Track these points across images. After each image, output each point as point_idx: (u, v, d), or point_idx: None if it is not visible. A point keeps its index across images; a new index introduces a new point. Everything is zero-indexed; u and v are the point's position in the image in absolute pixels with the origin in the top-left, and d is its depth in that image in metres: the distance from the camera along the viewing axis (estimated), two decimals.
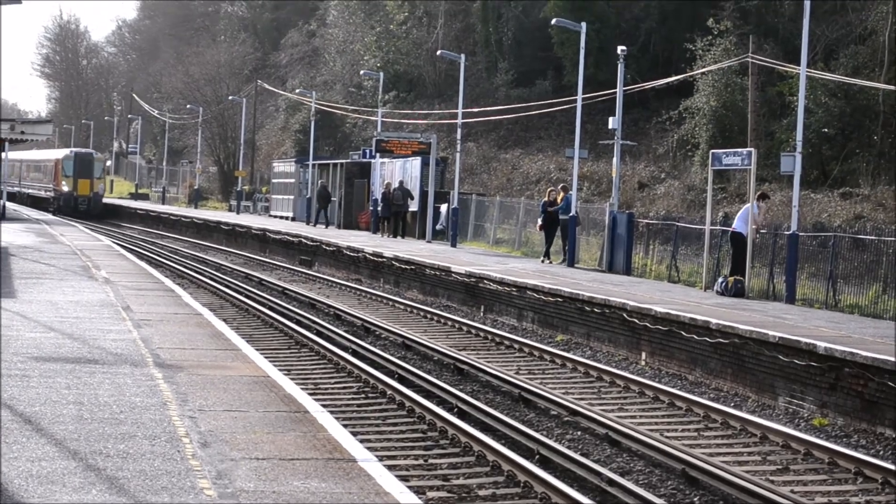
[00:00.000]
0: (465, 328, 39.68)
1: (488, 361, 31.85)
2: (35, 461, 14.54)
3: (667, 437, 22.89)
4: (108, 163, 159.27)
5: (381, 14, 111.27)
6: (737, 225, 40.76)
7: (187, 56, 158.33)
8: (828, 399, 26.57)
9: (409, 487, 15.83)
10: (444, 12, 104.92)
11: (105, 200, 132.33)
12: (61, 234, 65.33)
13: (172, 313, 31.35)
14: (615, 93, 50.10)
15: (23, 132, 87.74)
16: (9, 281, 36.75)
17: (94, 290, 35.59)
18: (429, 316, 43.07)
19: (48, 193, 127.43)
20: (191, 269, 56.50)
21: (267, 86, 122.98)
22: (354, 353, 32.09)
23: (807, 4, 40.97)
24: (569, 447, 21.79)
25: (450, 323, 40.88)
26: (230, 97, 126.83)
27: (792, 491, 19.15)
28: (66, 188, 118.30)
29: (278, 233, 75.01)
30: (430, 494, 18.21)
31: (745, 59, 60.84)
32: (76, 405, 17.93)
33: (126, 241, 72.99)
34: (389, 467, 16.89)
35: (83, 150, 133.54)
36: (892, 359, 24.97)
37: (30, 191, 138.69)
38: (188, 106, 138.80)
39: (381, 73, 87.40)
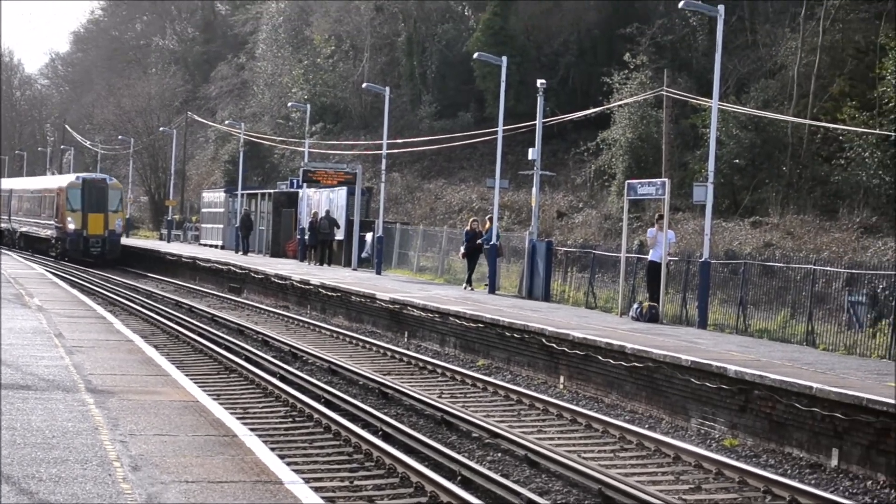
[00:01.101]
0: (389, 353, 39.67)
1: (412, 385, 31.84)
2: None
3: (584, 458, 22.99)
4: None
5: (309, 48, 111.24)
6: (652, 254, 41.07)
7: (119, 88, 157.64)
8: (738, 420, 26.75)
9: (323, 496, 15.90)
10: (370, 46, 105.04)
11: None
12: None
13: (104, 340, 31.24)
14: (535, 124, 50.20)
15: None
16: None
17: (26, 318, 35.39)
18: (354, 342, 42.98)
19: (49, 233, 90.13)
20: (122, 297, 56.20)
21: (197, 117, 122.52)
22: (282, 378, 32.00)
23: (719, 40, 41.30)
24: (489, 468, 21.85)
25: (375, 348, 40.86)
26: (161, 128, 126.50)
27: None
28: (72, 226, 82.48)
29: (208, 261, 74.69)
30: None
31: (659, 92, 61.10)
32: (9, 430, 17.86)
33: (58, 270, 72.37)
34: (316, 489, 16.95)
35: (94, 175, 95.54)
36: (798, 381, 25.23)
37: (24, 229, 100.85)
38: (120, 137, 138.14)
39: (308, 105, 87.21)
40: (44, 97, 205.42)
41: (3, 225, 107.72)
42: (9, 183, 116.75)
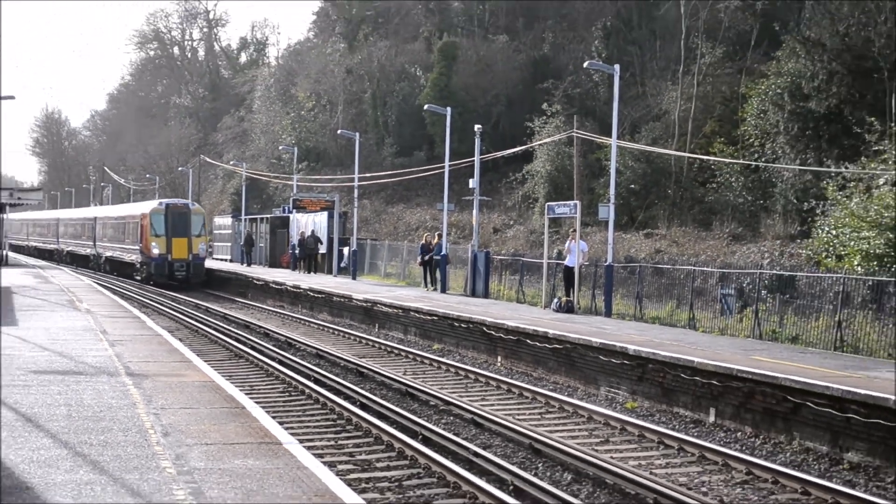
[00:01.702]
0: (364, 341, 39.58)
1: (382, 366, 31.77)
2: (35, 450, 14.52)
3: (517, 420, 23.05)
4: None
5: (294, 103, 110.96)
6: (568, 260, 41.21)
7: (145, 137, 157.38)
8: (637, 388, 26.84)
9: (323, 462, 15.93)
10: (343, 101, 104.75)
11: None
12: (52, 276, 64.54)
13: (139, 335, 31.14)
14: (473, 160, 50.33)
15: (19, 198, 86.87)
16: (11, 313, 36.40)
17: (77, 319, 35.25)
18: (336, 332, 42.91)
19: (133, 258, 75.65)
20: (153, 301, 55.90)
21: (208, 159, 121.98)
22: (280, 362, 31.97)
23: (616, 92, 41.42)
24: (444, 429, 21.89)
25: (352, 338, 40.74)
26: (179, 168, 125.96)
27: (611, 457, 19.39)
28: (156, 251, 69.31)
29: (220, 271, 74.54)
30: (340, 466, 18.25)
31: (570, 133, 61.09)
32: (66, 406, 17.85)
33: (98, 280, 71.78)
34: (308, 447, 16.93)
35: (176, 200, 79.62)
36: (683, 356, 25.38)
37: (108, 254, 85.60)
38: (147, 175, 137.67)
39: (295, 148, 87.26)
40: (86, 145, 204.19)
41: (89, 251, 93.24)
42: (93, 211, 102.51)
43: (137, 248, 72.03)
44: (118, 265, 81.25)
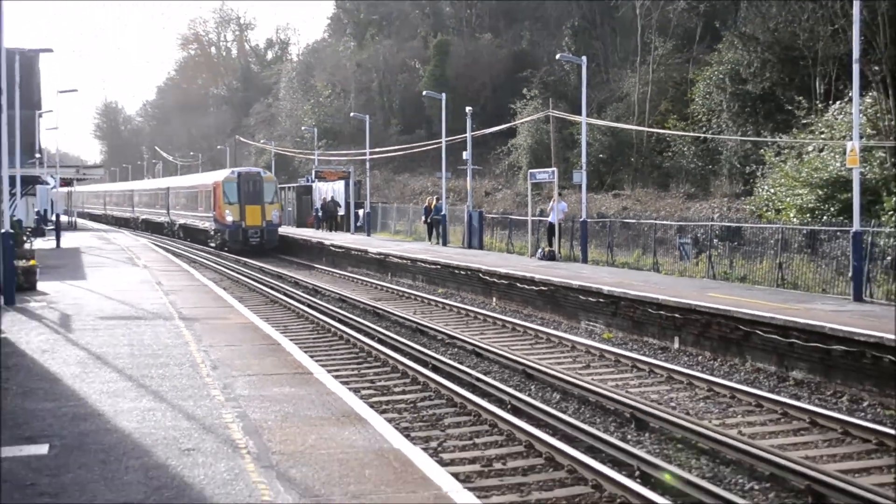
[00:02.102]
0: (379, 287, 39.38)
1: (395, 308, 31.60)
2: (104, 383, 14.60)
3: (511, 350, 22.92)
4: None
5: (313, 92, 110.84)
6: (550, 217, 41.19)
7: (189, 122, 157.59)
8: (612, 321, 26.74)
9: (349, 388, 15.87)
10: (354, 89, 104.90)
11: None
12: (114, 238, 64.49)
13: (189, 285, 31.12)
14: (466, 136, 50.19)
15: (84, 174, 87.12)
16: (81, 269, 36.33)
17: (137, 273, 35.21)
18: (355, 280, 42.69)
19: (206, 225, 66.64)
20: (199, 257, 55.52)
21: (242, 139, 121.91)
22: (309, 306, 31.87)
23: (584, 78, 41.32)
24: (450, 359, 21.78)
25: (370, 284, 40.52)
26: (218, 147, 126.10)
27: (593, 379, 19.25)
28: (230, 218, 60.78)
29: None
30: (363, 392, 18.15)
31: (547, 113, 61.24)
32: (129, 346, 17.83)
33: (158, 242, 71.49)
34: (335, 376, 16.94)
35: (248, 169, 68.72)
36: (650, 294, 25.23)
37: (181, 221, 75.86)
38: (191, 153, 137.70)
39: (315, 129, 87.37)
40: (139, 129, 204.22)
41: (162, 218, 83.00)
42: (166, 181, 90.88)
43: (211, 215, 62.51)
44: (191, 232, 71.76)
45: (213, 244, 62.83)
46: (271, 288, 38.25)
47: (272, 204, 60.47)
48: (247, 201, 59.43)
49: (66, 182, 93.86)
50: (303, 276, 44.07)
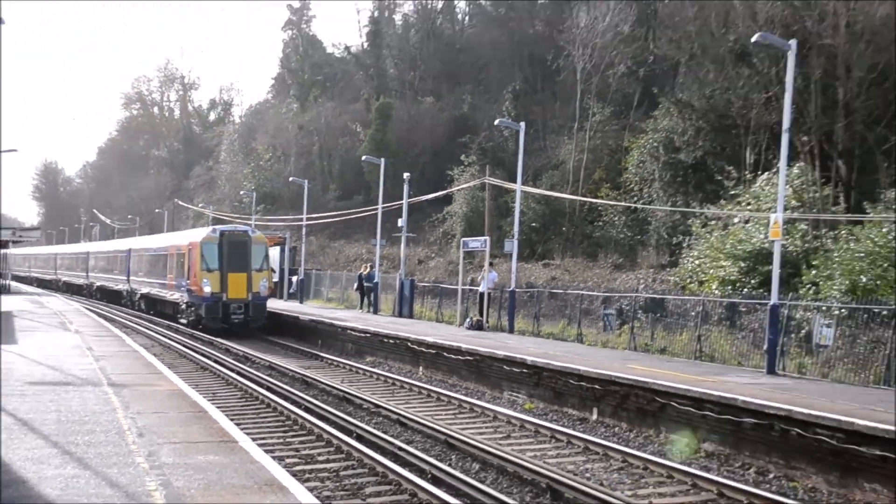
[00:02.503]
0: (308, 355, 39.43)
1: (323, 376, 31.76)
2: (30, 450, 14.56)
3: (435, 420, 23.23)
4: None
5: (254, 155, 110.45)
6: (481, 286, 41.66)
7: (129, 184, 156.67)
8: (534, 392, 27.06)
9: (273, 457, 16.08)
10: (295, 153, 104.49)
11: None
12: (47, 301, 63.89)
13: (119, 350, 30.96)
14: (402, 203, 50.56)
15: (20, 235, 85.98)
16: (12, 333, 36.14)
17: (68, 338, 35.03)
18: (286, 347, 42.62)
19: (176, 297, 52.84)
20: (132, 323, 54.74)
21: (181, 202, 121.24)
22: (238, 373, 31.92)
23: (521, 145, 41.74)
24: (374, 428, 22.05)
25: (299, 352, 40.54)
26: (157, 210, 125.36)
27: (512, 449, 19.63)
28: (208, 289, 47.36)
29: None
30: (288, 460, 18.36)
31: (483, 180, 61.42)
32: (56, 412, 17.84)
33: (89, 305, 70.35)
34: (260, 444, 17.05)
35: (234, 227, 54.03)
36: (571, 365, 25.67)
37: (144, 290, 61.94)
38: (129, 217, 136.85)
39: (254, 193, 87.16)
40: (78, 191, 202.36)
41: (121, 286, 69.27)
42: (127, 242, 76.16)
43: (184, 284, 49.12)
44: (156, 303, 59.00)
45: (183, 320, 50.55)
46: (202, 354, 38.05)
47: (261, 271, 47.49)
48: (230, 268, 46.42)
49: (1, 244, 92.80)
50: (233, 343, 43.34)
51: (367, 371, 33.65)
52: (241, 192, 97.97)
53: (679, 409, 21.42)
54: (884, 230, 34.13)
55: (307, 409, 24.48)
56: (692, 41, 56.24)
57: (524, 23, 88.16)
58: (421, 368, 34.11)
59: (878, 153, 44.37)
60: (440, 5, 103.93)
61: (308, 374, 31.81)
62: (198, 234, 49.04)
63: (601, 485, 17.19)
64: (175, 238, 57.17)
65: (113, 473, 13.18)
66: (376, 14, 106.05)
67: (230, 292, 46.09)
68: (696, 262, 41.63)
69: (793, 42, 27.16)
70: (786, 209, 31.25)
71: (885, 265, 32.53)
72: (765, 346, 26.06)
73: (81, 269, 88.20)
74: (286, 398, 26.42)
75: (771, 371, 25.24)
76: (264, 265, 47.70)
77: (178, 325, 50.43)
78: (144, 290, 61.46)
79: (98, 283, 79.50)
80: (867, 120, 44.37)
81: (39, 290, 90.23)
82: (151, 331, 47.76)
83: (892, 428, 16.60)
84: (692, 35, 56.09)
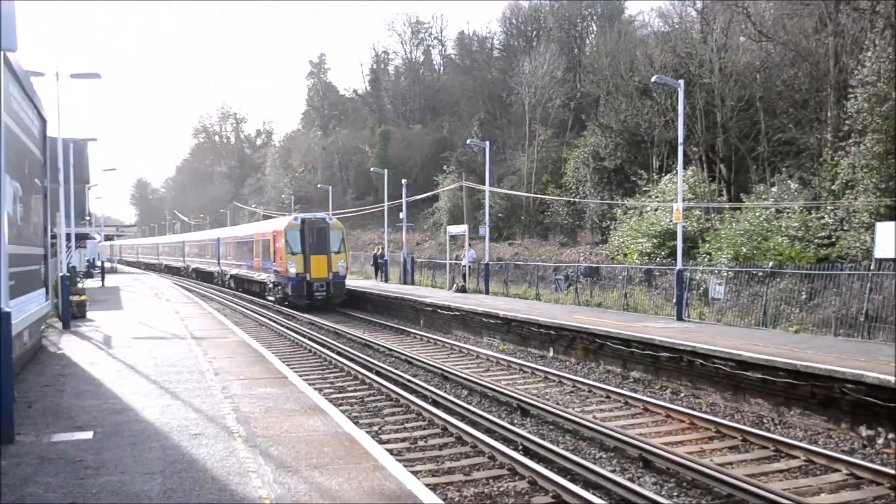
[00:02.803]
0: (336, 312, 39.14)
1: (350, 329, 31.54)
2: (136, 386, 14.52)
3: (433, 359, 23.11)
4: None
5: (290, 168, 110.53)
6: (463, 260, 41.43)
7: (199, 192, 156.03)
8: (505, 337, 26.88)
9: (315, 388, 15.94)
10: (321, 166, 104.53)
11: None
12: (145, 279, 63.61)
13: (199, 313, 30.86)
14: (402, 202, 50.42)
15: (122, 231, 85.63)
16: (119, 302, 35.95)
17: (162, 306, 34.89)
18: (329, 309, 41.17)
19: (262, 276, 46.57)
20: (209, 293, 54.35)
21: (238, 204, 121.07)
22: (286, 328, 31.69)
23: (487, 157, 41.69)
24: (389, 366, 21.91)
25: (327, 310, 40.30)
26: (220, 210, 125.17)
27: (491, 379, 19.50)
28: (293, 270, 40.97)
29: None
30: (325, 391, 18.21)
31: (460, 184, 61.70)
32: (153, 359, 17.74)
33: (179, 282, 69.87)
34: (305, 380, 17.02)
35: (313, 214, 44.71)
36: (532, 317, 25.52)
37: (233, 271, 56.06)
38: (200, 216, 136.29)
39: (292, 196, 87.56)
40: (163, 198, 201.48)
41: (213, 268, 62.73)
42: (217, 232, 67.95)
43: (271, 266, 43.24)
44: (244, 283, 52.55)
45: (271, 298, 44.18)
46: (260, 315, 37.88)
47: (339, 253, 41.08)
48: (312, 251, 40.50)
49: (108, 237, 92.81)
50: (245, 294, 42.21)
51: (382, 324, 33.50)
52: (283, 196, 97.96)
53: (613, 347, 21.29)
54: (756, 214, 34.40)
55: (339, 353, 24.34)
56: (608, 81, 57.16)
57: (484, 70, 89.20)
58: (421, 322, 33.79)
59: (748, 159, 45.11)
60: (422, 59, 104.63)
61: (338, 328, 31.63)
62: (281, 223, 42.64)
63: (557, 404, 17.07)
64: (259, 227, 50.43)
65: (196, 402, 13.06)
66: (375, 66, 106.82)
67: (313, 272, 40.03)
68: (621, 239, 41.95)
69: (681, 81, 27.36)
70: (684, 200, 31.22)
71: (759, 239, 32.67)
72: (674, 300, 25.95)
73: (179, 255, 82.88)
74: (323, 345, 26.25)
75: (679, 318, 25.10)
76: (341, 248, 41.16)
77: (259, 299, 47.07)
78: (234, 272, 55.12)
79: (193, 266, 74.05)
80: (739, 135, 46.20)
81: (140, 271, 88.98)
82: (223, 299, 47.49)
83: (769, 357, 16.51)
84: (608, 77, 57.18)
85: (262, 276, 45.50)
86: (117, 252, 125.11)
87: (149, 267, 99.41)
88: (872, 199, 31.96)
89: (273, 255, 42.21)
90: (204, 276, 67.86)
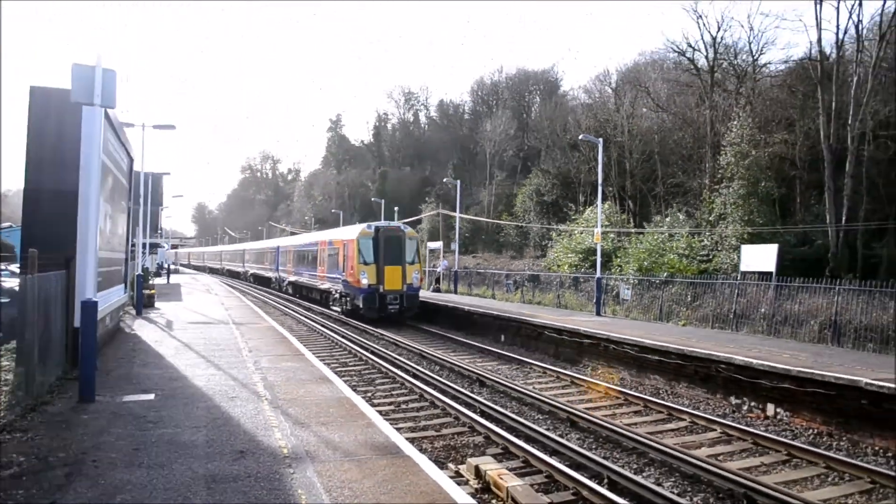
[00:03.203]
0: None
1: (352, 319, 30.20)
2: (188, 360, 14.16)
3: (414, 342, 22.81)
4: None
5: (313, 197, 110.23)
6: (439, 268, 41.09)
7: (244, 213, 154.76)
8: (466, 328, 26.47)
9: (324, 363, 15.66)
10: (335, 196, 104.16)
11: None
12: (200, 278, 62.80)
13: (239, 304, 30.40)
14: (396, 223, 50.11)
15: (184, 242, 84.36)
16: (179, 295, 35.37)
17: (211, 298, 34.38)
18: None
19: (326, 286, 32.73)
20: (252, 292, 52.99)
21: (273, 224, 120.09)
22: (306, 317, 31.05)
23: (458, 194, 41.60)
24: (380, 347, 21.54)
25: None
26: (259, 227, 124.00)
27: (455, 358, 19.21)
28: (365, 281, 26.66)
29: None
30: (332, 365, 17.89)
31: (438, 212, 61.55)
32: (203, 339, 17.36)
33: (224, 281, 68.86)
34: (317, 357, 16.69)
35: (388, 223, 28.53)
36: (489, 311, 25.26)
37: (292, 279, 42.79)
38: (245, 232, 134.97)
39: (313, 218, 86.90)
40: (216, 217, 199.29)
41: (271, 274, 51.89)
42: (276, 241, 56.94)
43: (339, 276, 30.74)
44: (303, 290, 40.51)
45: (337, 308, 31.89)
46: (285, 306, 36.97)
47: (413, 264, 28.53)
48: (386, 261, 27.94)
49: (174, 246, 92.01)
50: (302, 301, 40.75)
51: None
52: (306, 218, 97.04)
53: (548, 335, 21.10)
54: (655, 237, 34.41)
55: (343, 337, 23.93)
56: (547, 138, 57.57)
57: (457, 128, 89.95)
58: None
59: (649, 196, 45.41)
60: (412, 119, 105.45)
61: (341, 317, 31.06)
62: (353, 231, 30.16)
63: (506, 377, 16.86)
64: (324, 235, 37.76)
65: (234, 372, 12.78)
66: (377, 123, 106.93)
67: (386, 284, 27.78)
68: (556, 254, 41.86)
69: (600, 139, 27.44)
70: (602, 226, 31.18)
71: (657, 256, 32.68)
72: (594, 300, 25.83)
73: (239, 261, 71.78)
74: (332, 330, 25.81)
75: (598, 314, 24.97)
76: (415, 258, 28.73)
77: (278, 294, 44.99)
78: (292, 279, 43.43)
79: (252, 272, 62.80)
80: (642, 179, 46.83)
81: (197, 273, 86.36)
82: (260, 295, 46.85)
83: (664, 344, 16.40)
84: (547, 135, 57.60)
85: (326, 286, 34.08)
86: (189, 258, 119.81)
87: (213, 271, 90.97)
88: (738, 227, 32.23)
89: (343, 265, 29.99)
90: (261, 282, 57.65)
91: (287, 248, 46.92)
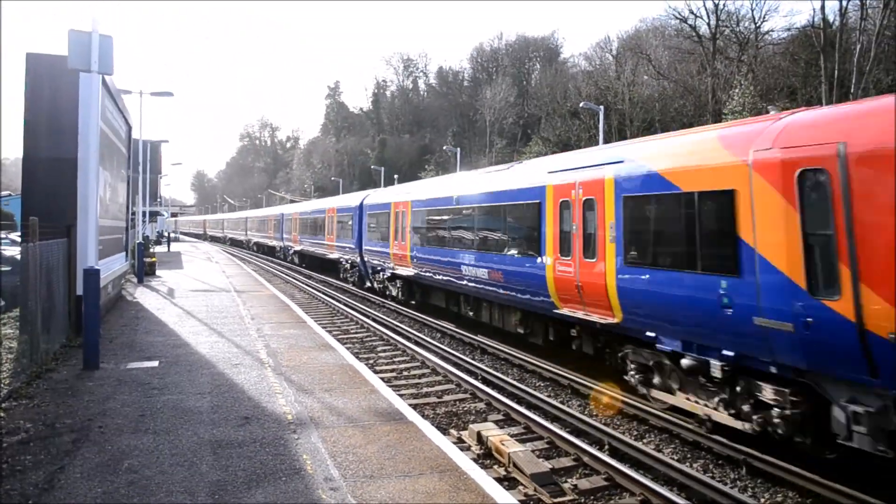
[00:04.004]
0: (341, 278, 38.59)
1: (353, 287, 30.16)
2: (191, 326, 14.23)
3: (413, 312, 22.76)
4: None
5: (312, 165, 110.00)
6: None
7: (243, 181, 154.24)
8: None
9: (326, 330, 15.70)
10: (335, 164, 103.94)
11: None
12: (199, 246, 62.79)
13: (240, 272, 30.51)
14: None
15: (184, 210, 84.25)
16: (180, 263, 35.41)
17: (213, 267, 34.41)
18: (329, 271, 38.03)
19: (335, 255, 30.77)
20: (252, 258, 53.56)
21: (272, 192, 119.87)
22: (307, 285, 31.15)
23: (458, 160, 41.34)
24: (383, 315, 21.49)
25: (337, 276, 39.57)
26: (259, 195, 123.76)
27: (457, 326, 19.23)
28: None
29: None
30: (334, 333, 17.90)
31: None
32: (206, 306, 17.44)
33: (224, 248, 68.90)
34: (319, 324, 16.76)
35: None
36: None
37: (297, 247, 40.29)
38: (244, 199, 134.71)
39: (312, 186, 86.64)
40: (215, 185, 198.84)
41: (275, 243, 49.42)
42: (281, 209, 50.89)
43: (352, 245, 27.57)
44: (311, 259, 38.63)
45: (350, 278, 29.28)
46: (286, 274, 36.90)
47: None
48: None
49: (173, 214, 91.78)
50: (304, 269, 41.13)
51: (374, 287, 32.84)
52: (305, 186, 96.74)
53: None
54: None
55: (345, 304, 23.95)
56: (548, 106, 56.99)
57: (456, 95, 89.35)
58: None
59: None
60: (411, 86, 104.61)
61: (344, 286, 31.09)
62: (397, 192, 23.63)
63: (508, 346, 16.89)
64: (334, 202, 33.50)
65: (237, 339, 12.84)
66: (376, 90, 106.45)
67: None
68: None
69: (601, 107, 27.18)
70: None
71: None
72: None
73: (242, 230, 69.70)
74: (333, 298, 25.83)
75: None
76: None
77: (279, 261, 45.41)
78: (298, 248, 40.56)
79: (254, 240, 60.31)
80: None
81: (198, 241, 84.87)
82: (259, 262, 46.79)
83: None
84: (547, 102, 57.00)
85: (335, 255, 31.30)
86: (193, 226, 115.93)
87: (215, 239, 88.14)
88: None
89: (398, 235, 21.85)
90: (264, 250, 55.41)
91: (293, 215, 43.05)
